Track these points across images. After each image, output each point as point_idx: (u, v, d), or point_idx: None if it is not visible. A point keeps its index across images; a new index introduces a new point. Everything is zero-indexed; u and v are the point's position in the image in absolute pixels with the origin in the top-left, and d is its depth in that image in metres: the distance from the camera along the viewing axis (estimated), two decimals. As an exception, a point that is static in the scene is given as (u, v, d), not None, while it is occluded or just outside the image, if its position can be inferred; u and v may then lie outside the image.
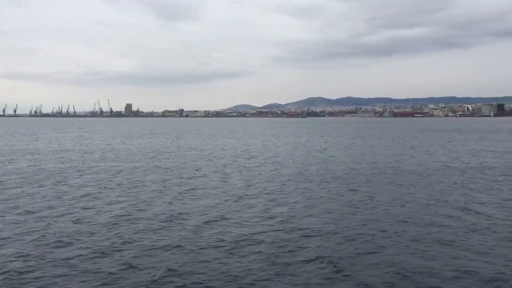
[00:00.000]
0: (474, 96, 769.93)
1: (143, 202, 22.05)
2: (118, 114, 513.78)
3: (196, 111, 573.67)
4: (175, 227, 17.23)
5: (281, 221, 18.08)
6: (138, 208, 20.46)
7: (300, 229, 16.90)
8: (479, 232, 16.22)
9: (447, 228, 16.84)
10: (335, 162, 39.52)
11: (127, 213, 19.38)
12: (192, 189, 25.71)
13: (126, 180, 29.28)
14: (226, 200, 22.24)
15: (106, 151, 52.11)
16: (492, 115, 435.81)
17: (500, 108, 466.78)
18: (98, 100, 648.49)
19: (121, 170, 34.35)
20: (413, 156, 44.96)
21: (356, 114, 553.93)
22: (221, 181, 28.89)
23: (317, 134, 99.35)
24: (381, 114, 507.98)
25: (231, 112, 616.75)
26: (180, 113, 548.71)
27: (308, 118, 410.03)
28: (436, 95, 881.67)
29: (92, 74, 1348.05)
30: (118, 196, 23.51)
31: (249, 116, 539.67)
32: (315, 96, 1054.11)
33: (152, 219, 18.39)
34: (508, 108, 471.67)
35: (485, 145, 61.21)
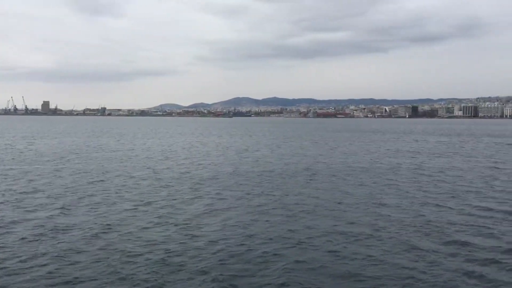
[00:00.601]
0: (390, 98, 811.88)
1: (23, 209, 19.12)
2: (34, 112, 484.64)
3: (119, 110, 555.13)
4: (47, 241, 14.68)
5: (175, 230, 16.17)
6: (11, 219, 17.52)
7: (194, 236, 15.25)
8: (377, 238, 15.35)
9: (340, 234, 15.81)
10: (252, 163, 38.15)
11: (-3, 225, 16.49)
12: (90, 195, 22.95)
13: (12, 185, 25.80)
14: (122, 209, 19.81)
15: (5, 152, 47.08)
16: (407, 116, 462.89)
17: (414, 109, 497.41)
18: (11, 97, 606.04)
19: (16, 173, 30.56)
20: (331, 157, 44.82)
21: (281, 115, 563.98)
22: (124, 186, 26.27)
23: (241, 134, 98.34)
24: (305, 115, 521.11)
25: (156, 111, 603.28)
26: (102, 111, 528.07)
27: (234, 118, 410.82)
28: (356, 97, 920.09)
29: (5, 70, 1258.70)
30: (-3, 204, 20.30)
31: (175, 116, 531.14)
32: (241, 96, 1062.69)
33: (29, 229, 15.72)
34: (421, 110, 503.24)
35: (400, 146, 63.27)
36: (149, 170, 33.20)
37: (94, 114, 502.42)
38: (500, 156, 46.80)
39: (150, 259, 13.12)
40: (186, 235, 15.62)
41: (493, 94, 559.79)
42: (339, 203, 21.31)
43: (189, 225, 17.00)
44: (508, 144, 66.46)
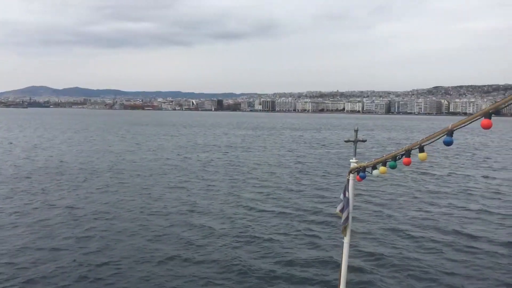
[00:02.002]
0: (197, 92, 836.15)
1: None
2: None
3: None
4: None
5: None
6: None
7: None
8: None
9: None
10: (42, 163, 32.05)
11: None
12: None
13: None
14: None
15: None
16: (213, 109, 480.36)
17: (219, 103, 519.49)
18: None
19: None
20: (137, 154, 41.08)
21: (85, 106, 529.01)
22: None
23: (35, 128, 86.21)
24: (111, 106, 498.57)
25: None
26: None
27: (29, 109, 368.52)
28: (164, 89, 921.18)
29: None
30: None
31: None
32: (38, 85, 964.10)
33: None
34: (226, 104, 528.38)
35: (210, 140, 62.77)
36: None
37: None
38: (301, 149, 49.50)
39: None
40: None
41: (287, 90, 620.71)
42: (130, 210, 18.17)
43: None
44: (300, 136, 72.10)
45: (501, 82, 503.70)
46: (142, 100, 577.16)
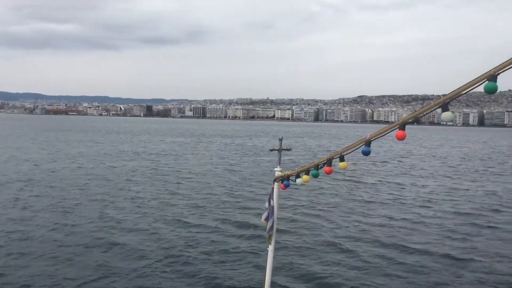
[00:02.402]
0: (125, 97, 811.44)
1: None
2: None
3: None
4: None
5: None
6: None
7: None
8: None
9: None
10: None
11: None
12: None
13: None
14: None
15: None
16: (142, 115, 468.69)
17: (149, 109, 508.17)
18: None
19: None
20: (56, 162, 37.94)
21: (2, 110, 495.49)
22: None
23: None
24: (32, 111, 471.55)
25: None
26: None
27: None
28: (90, 94, 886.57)
29: None
30: None
31: None
32: None
33: None
34: (156, 109, 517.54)
35: (137, 147, 59.99)
36: None
37: None
38: (232, 157, 48.43)
39: None
40: None
41: (218, 96, 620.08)
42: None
43: None
44: (231, 143, 71.20)
45: (419, 92, 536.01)
46: (66, 105, 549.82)
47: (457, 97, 3.00)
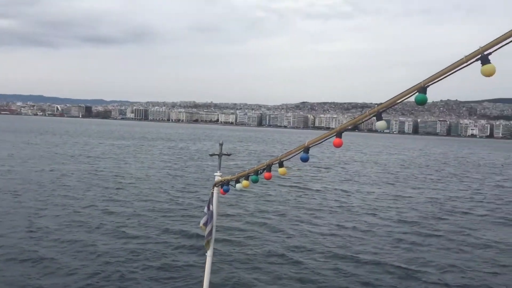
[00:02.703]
0: (63, 97, 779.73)
1: None
2: None
3: None
4: None
5: None
6: None
7: None
8: None
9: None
10: None
11: None
12: None
13: None
14: None
15: None
16: (81, 116, 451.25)
17: (88, 110, 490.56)
18: None
19: None
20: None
21: None
22: None
23: None
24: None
25: None
26: None
27: None
28: (24, 93, 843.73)
29: None
30: None
31: None
32: None
33: None
34: (95, 110, 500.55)
35: (74, 149, 56.91)
36: None
37: None
38: (177, 161, 46.99)
39: None
40: None
41: (160, 99, 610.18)
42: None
43: None
44: (175, 147, 69.56)
45: (359, 100, 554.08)
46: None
47: (390, 107, 3.12)
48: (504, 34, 2.55)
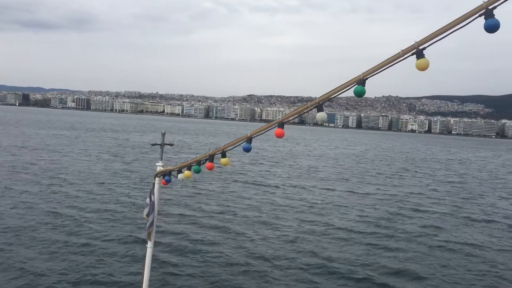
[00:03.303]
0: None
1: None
2: None
3: None
4: None
5: None
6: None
7: None
8: None
9: None
10: None
11: None
12: None
13: None
14: None
15: None
16: (17, 104, 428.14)
17: (25, 97, 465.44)
18: None
19: None
20: None
21: None
22: None
23: None
24: None
25: None
26: None
27: None
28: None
29: None
30: None
31: None
32: None
33: None
34: (34, 99, 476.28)
35: (14, 141, 52.67)
36: None
37: None
38: (129, 154, 44.52)
39: None
40: None
41: (104, 88, 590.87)
42: None
43: None
44: (126, 140, 66.60)
45: (305, 94, 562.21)
46: None
47: (331, 98, 3.18)
48: (439, 29, 2.64)
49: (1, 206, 18.19)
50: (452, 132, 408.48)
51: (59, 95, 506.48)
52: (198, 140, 78.43)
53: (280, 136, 3.43)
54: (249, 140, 3.72)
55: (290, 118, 3.49)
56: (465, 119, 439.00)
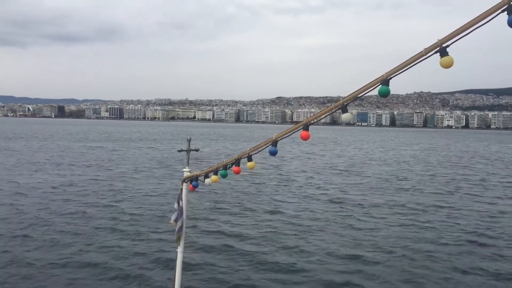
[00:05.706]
0: (33, 97, 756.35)
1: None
2: None
3: None
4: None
5: None
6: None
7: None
8: None
9: None
10: None
11: None
12: None
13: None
14: None
15: None
16: (53, 116, 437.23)
17: (60, 109, 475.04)
18: None
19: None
20: None
21: None
22: None
23: None
24: None
25: None
26: None
27: None
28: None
29: None
30: None
31: None
32: None
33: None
34: (68, 110, 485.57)
35: (65, 156, 50.04)
36: None
37: None
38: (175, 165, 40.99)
39: None
40: None
41: (134, 97, 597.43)
42: None
43: None
44: (171, 150, 63.45)
45: (334, 94, 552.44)
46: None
47: (355, 99, 3.06)
48: (461, 26, 2.60)
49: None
50: (491, 127, 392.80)
51: (92, 106, 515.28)
52: (237, 144, 74.55)
53: (305, 138, 3.36)
54: (275, 143, 3.67)
55: (315, 120, 3.40)
56: (504, 113, 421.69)
